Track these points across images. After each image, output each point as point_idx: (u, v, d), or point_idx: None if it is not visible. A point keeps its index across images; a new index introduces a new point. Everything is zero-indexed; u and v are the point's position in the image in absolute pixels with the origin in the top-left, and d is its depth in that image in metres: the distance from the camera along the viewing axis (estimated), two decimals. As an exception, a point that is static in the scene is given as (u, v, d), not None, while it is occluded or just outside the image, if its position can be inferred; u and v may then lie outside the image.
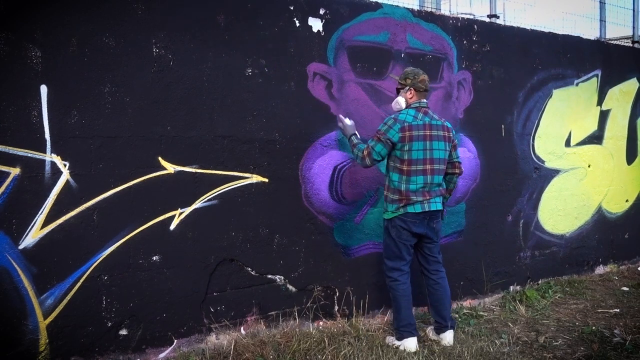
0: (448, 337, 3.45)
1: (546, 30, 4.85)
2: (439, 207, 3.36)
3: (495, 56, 4.43)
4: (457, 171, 3.53)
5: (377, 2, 3.83)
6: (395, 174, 3.30)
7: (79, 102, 2.84)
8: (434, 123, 3.33)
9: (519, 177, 4.67)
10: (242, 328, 3.37)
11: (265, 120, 3.39)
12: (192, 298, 3.21)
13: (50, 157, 2.78)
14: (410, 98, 3.35)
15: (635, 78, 5.57)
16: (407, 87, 3.34)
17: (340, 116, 3.51)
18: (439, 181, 3.37)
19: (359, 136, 3.43)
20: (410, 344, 3.32)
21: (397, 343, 3.36)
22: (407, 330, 3.35)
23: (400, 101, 3.38)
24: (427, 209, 3.29)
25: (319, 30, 3.56)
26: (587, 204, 5.23)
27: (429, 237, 3.40)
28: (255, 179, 3.39)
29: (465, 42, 4.25)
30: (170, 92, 3.08)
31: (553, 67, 4.84)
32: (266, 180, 3.42)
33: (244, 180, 3.35)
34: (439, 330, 3.49)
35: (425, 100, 3.39)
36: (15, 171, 2.69)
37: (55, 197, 2.80)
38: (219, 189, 3.27)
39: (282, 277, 3.52)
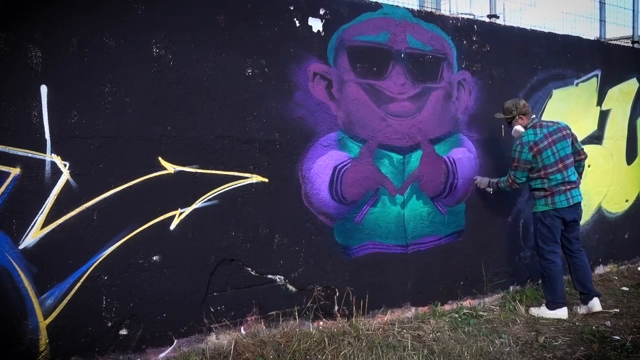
0: (596, 304, 4.08)
1: (546, 30, 4.85)
2: (579, 199, 4.07)
3: (495, 56, 4.43)
4: (582, 157, 4.21)
5: (377, 2, 3.83)
6: (538, 180, 4.03)
7: (79, 102, 2.84)
8: (551, 130, 4.03)
9: (518, 177, 4.67)
10: (242, 328, 3.38)
11: (265, 120, 3.39)
12: (192, 298, 3.21)
13: (50, 157, 2.78)
14: (523, 122, 4.06)
15: (635, 78, 5.58)
16: (517, 117, 4.06)
17: (478, 180, 4.28)
18: (572, 172, 4.06)
19: (493, 179, 4.22)
20: (564, 312, 4.06)
21: (549, 312, 4.07)
22: (562, 302, 4.08)
23: (518, 129, 4.07)
24: (571, 203, 4.00)
25: (319, 30, 3.56)
26: (587, 203, 5.22)
27: (574, 222, 4.11)
28: (255, 179, 3.39)
29: (465, 42, 4.25)
30: (170, 92, 3.08)
31: (553, 67, 4.84)
32: (266, 180, 3.42)
33: (244, 180, 3.35)
34: (586, 300, 4.12)
35: (534, 116, 4.13)
36: (15, 171, 2.69)
37: (56, 197, 2.80)
38: (219, 189, 3.27)
39: (282, 277, 3.52)
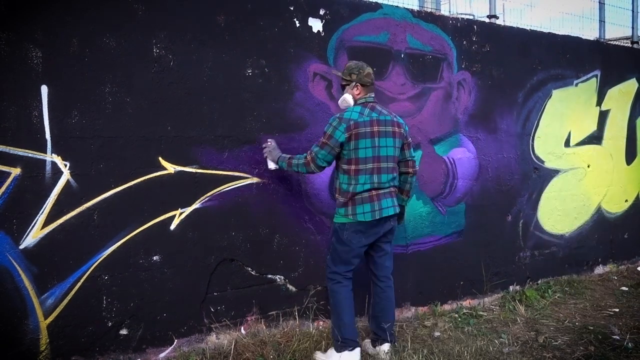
0: (384, 349, 3.20)
1: (545, 30, 4.86)
2: (392, 211, 3.10)
3: (495, 56, 4.44)
4: (410, 170, 3.25)
5: (377, 3, 3.83)
6: (344, 176, 3.07)
7: (79, 102, 2.84)
8: (382, 118, 3.07)
9: (518, 177, 4.68)
10: (242, 328, 3.38)
11: (265, 120, 3.40)
12: (192, 298, 3.22)
13: (50, 157, 2.78)
14: (358, 94, 3.13)
15: (634, 78, 5.58)
16: (354, 83, 3.12)
17: (268, 143, 3.30)
18: (387, 180, 3.09)
19: (284, 154, 3.23)
20: (354, 356, 3.09)
21: (336, 355, 3.09)
22: (353, 340, 3.09)
23: (348, 98, 3.15)
24: (377, 217, 3.03)
25: (319, 31, 3.57)
26: (587, 204, 5.24)
27: (382, 242, 3.19)
28: (255, 179, 3.39)
29: (465, 42, 4.26)
30: (170, 92, 3.09)
31: (552, 68, 4.85)
32: (266, 180, 3.42)
33: (244, 180, 3.35)
34: (376, 342, 3.27)
35: (372, 95, 3.16)
36: (15, 171, 2.70)
37: (56, 197, 2.80)
38: (219, 189, 3.27)
39: (282, 277, 3.53)
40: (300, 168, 3.12)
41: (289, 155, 3.19)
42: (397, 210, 3.16)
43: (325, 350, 3.22)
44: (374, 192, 3.04)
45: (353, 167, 3.04)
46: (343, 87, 3.22)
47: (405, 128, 3.22)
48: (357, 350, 3.09)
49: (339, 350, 3.07)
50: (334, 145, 3.02)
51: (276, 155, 3.24)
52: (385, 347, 3.21)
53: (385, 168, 3.08)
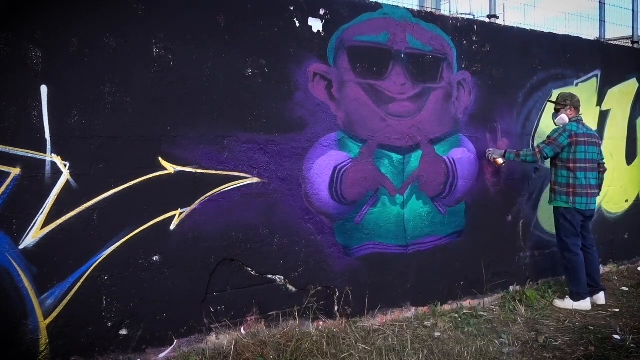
0: (601, 297, 4.42)
1: (546, 30, 4.85)
2: (594, 207, 4.38)
3: (495, 56, 4.43)
4: (602, 169, 4.53)
5: (377, 3, 3.83)
6: (564, 171, 4.28)
7: (79, 102, 2.84)
8: (588, 132, 4.33)
9: (518, 177, 4.67)
10: (242, 328, 3.38)
11: (265, 120, 3.40)
12: (192, 298, 3.21)
13: (50, 157, 2.78)
14: (571, 114, 4.34)
15: (634, 78, 5.58)
16: (568, 107, 4.33)
17: (491, 150, 4.35)
18: (594, 177, 4.35)
19: (510, 150, 4.32)
20: (587, 304, 4.31)
21: (573, 304, 4.30)
22: (585, 293, 4.31)
23: (564, 117, 4.34)
24: (586, 209, 4.29)
25: (319, 31, 3.57)
26: (587, 204, 5.23)
27: (588, 219, 4.43)
28: (255, 179, 3.39)
29: (465, 42, 4.25)
30: (170, 92, 3.09)
31: (553, 68, 4.84)
32: (266, 180, 3.42)
33: (244, 180, 3.35)
34: (592, 292, 4.38)
35: (581, 115, 4.40)
36: (15, 171, 2.70)
37: (56, 197, 2.80)
38: (219, 189, 3.27)
39: (282, 277, 3.52)
40: (528, 157, 4.25)
41: (515, 150, 4.32)
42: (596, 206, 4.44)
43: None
44: (588, 190, 4.29)
45: (572, 165, 4.25)
46: (557, 111, 4.42)
47: (600, 139, 4.56)
48: (589, 299, 4.34)
49: (576, 299, 4.31)
50: (558, 145, 4.23)
51: (500, 152, 4.34)
52: (601, 294, 4.45)
53: (591, 168, 4.33)
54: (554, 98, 4.53)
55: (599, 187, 4.55)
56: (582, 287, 4.31)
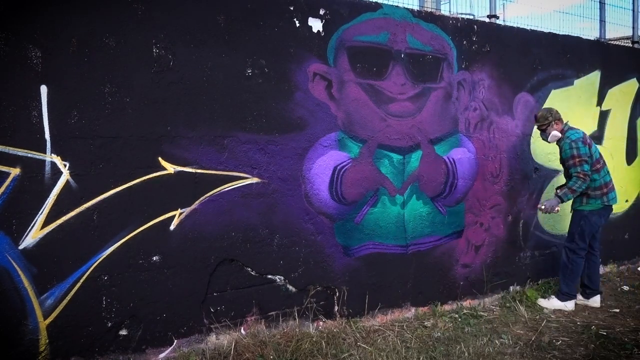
0: (597, 300, 4.42)
1: (546, 30, 4.85)
2: (616, 201, 4.41)
3: (495, 56, 4.43)
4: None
5: (377, 3, 3.83)
6: (594, 175, 4.24)
7: (79, 102, 2.84)
8: (584, 132, 4.35)
9: (518, 177, 4.67)
10: (242, 328, 3.38)
11: (265, 120, 3.39)
12: (192, 298, 3.21)
13: (50, 157, 2.78)
14: (559, 127, 4.29)
15: (634, 78, 5.58)
16: (552, 122, 4.26)
17: (546, 205, 4.27)
18: (607, 172, 4.37)
19: (559, 191, 4.25)
20: (572, 305, 4.36)
21: (559, 304, 4.34)
22: (575, 295, 4.38)
23: (555, 133, 4.26)
24: (611, 203, 4.34)
25: (318, 31, 3.56)
26: (587, 204, 5.23)
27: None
28: (255, 179, 3.39)
29: (465, 42, 4.25)
30: (170, 92, 3.08)
31: (553, 68, 4.84)
32: (266, 180, 3.42)
33: (244, 180, 3.35)
34: (589, 295, 4.44)
35: (567, 121, 4.36)
36: (15, 171, 2.69)
37: (56, 197, 2.80)
38: (219, 189, 3.27)
39: (282, 277, 3.52)
40: (582, 186, 4.17)
41: (564, 190, 4.22)
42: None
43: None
44: (612, 184, 4.36)
45: (595, 167, 4.25)
46: (543, 131, 4.34)
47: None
48: (574, 301, 4.38)
49: (563, 300, 4.34)
50: (585, 157, 4.17)
51: (553, 201, 4.27)
52: (597, 297, 4.44)
53: (604, 162, 4.37)
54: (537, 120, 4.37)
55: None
56: (574, 289, 4.37)
